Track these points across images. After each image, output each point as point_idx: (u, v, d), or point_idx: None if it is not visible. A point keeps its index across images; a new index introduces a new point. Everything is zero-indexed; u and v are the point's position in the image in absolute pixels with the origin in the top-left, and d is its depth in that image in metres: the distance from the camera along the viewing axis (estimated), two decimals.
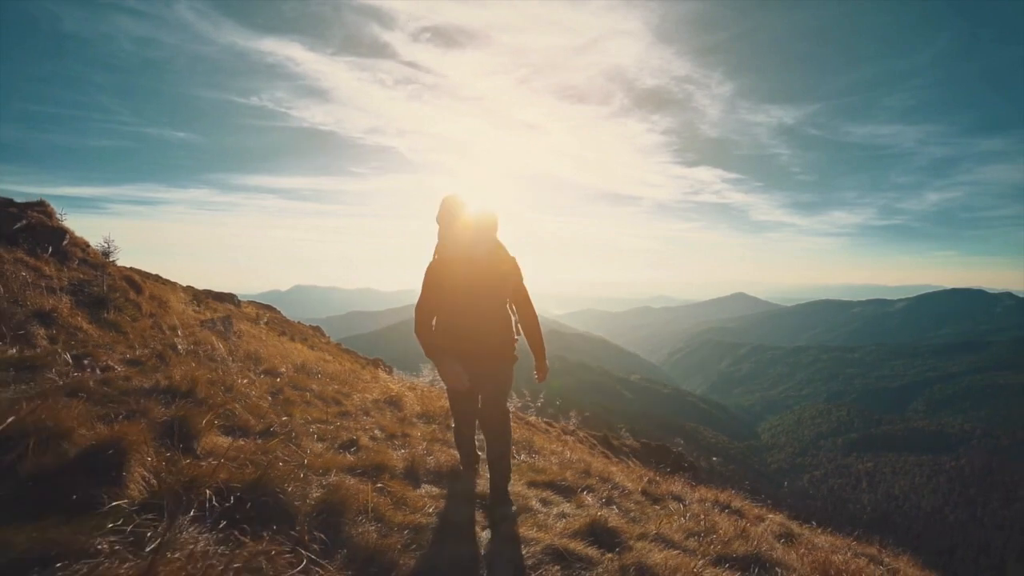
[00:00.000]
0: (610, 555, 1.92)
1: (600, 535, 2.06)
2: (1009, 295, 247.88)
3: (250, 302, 15.76)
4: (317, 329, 17.14)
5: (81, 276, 5.00)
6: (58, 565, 1.04)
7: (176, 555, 1.12)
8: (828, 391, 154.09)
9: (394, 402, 4.65)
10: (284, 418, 2.56)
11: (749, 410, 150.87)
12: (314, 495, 1.64)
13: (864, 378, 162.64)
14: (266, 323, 12.41)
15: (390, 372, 10.60)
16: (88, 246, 6.35)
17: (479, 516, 2.04)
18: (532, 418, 9.73)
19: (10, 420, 1.45)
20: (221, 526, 1.32)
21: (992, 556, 60.68)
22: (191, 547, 1.17)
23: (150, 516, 1.25)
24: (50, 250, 5.34)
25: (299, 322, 16.90)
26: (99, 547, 1.10)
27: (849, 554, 2.91)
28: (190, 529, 1.26)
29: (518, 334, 2.64)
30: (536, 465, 3.06)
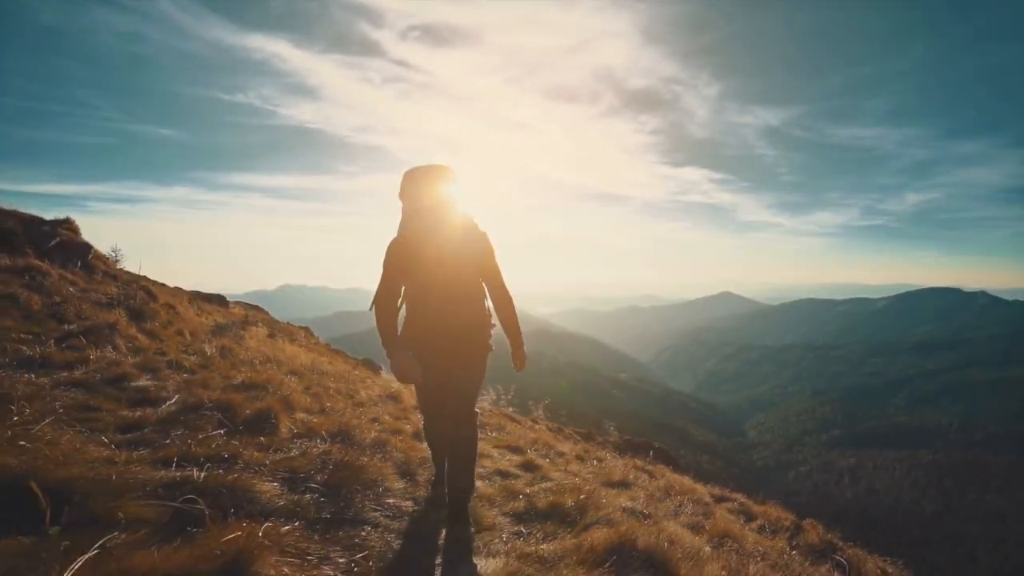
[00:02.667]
0: (530, 474, 3.25)
1: (530, 468, 3.37)
2: (984, 293, 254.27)
3: (237, 303, 15.97)
4: (306, 330, 17.51)
5: (113, 288, 5.60)
6: None
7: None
8: (813, 388, 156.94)
9: (394, 397, 5.42)
10: (328, 404, 3.66)
11: (736, 408, 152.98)
12: (367, 441, 2.88)
13: (847, 375, 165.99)
14: (256, 325, 12.82)
15: (379, 372, 11.19)
16: (107, 258, 6.95)
17: None
18: (508, 410, 10.46)
19: (210, 400, 2.82)
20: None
21: (966, 545, 62.69)
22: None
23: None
24: (79, 264, 5.95)
25: (288, 323, 17.20)
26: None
27: (701, 486, 4.25)
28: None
29: (493, 320, 2.42)
30: (501, 438, 4.25)
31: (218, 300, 13.65)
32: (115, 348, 3.59)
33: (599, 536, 2.01)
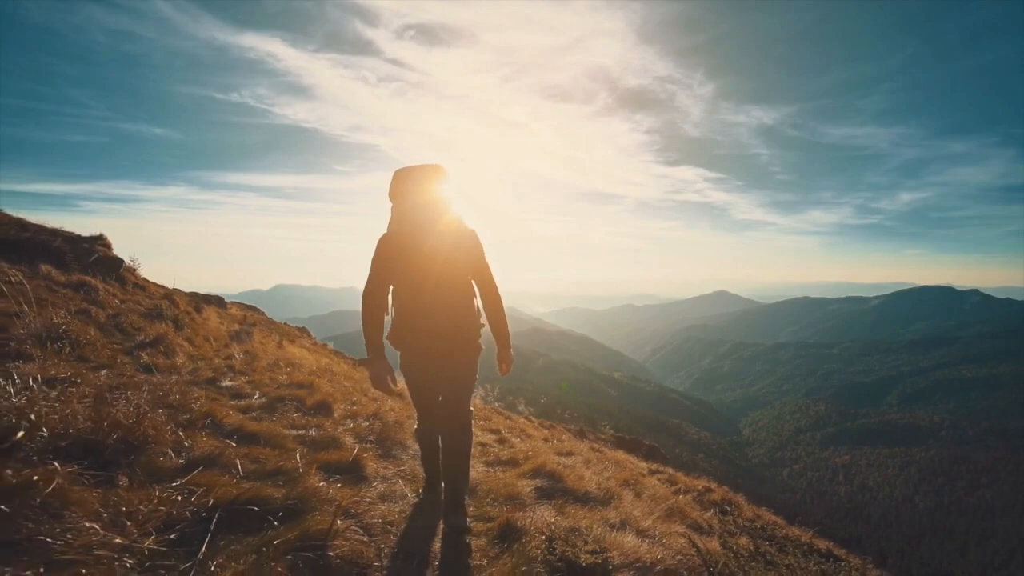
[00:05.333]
0: (501, 445, 4.31)
1: (502, 441, 4.47)
2: (976, 292, 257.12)
3: (234, 303, 16.01)
4: (303, 330, 17.51)
5: (145, 299, 5.85)
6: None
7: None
8: (807, 387, 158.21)
9: (399, 394, 5.72)
10: (353, 398, 4.48)
11: (731, 406, 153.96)
12: (391, 421, 3.86)
13: (841, 374, 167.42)
14: (255, 326, 12.84)
15: None
16: (134, 270, 7.26)
17: None
18: (495, 405, 10.74)
19: (285, 395, 3.87)
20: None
21: (956, 540, 63.51)
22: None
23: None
24: (114, 277, 6.23)
25: (285, 323, 17.21)
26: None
27: (642, 463, 5.36)
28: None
29: (483, 320, 2.41)
30: (485, 425, 5.21)
31: (216, 301, 13.72)
32: (177, 355, 4.19)
33: (528, 465, 3.49)
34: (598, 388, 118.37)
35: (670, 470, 5.47)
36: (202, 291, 13.87)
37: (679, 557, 2.19)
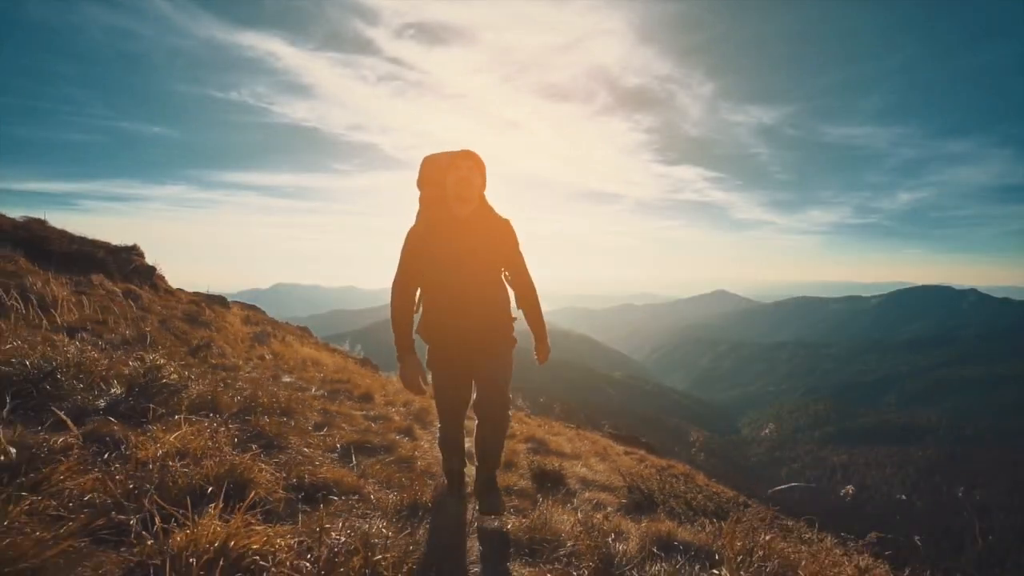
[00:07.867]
0: None
1: None
2: (974, 291, 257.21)
3: (235, 303, 16.12)
4: (305, 330, 17.65)
5: (177, 304, 6.28)
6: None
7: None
8: (806, 386, 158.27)
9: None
10: (386, 390, 5.38)
11: (730, 406, 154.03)
12: (417, 407, 4.75)
13: (840, 373, 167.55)
14: (260, 325, 13.04)
15: (377, 371, 11.58)
16: (163, 276, 7.72)
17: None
18: None
19: (338, 388, 4.86)
20: None
21: (952, 539, 63.78)
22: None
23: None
24: (148, 284, 6.68)
25: (286, 322, 17.31)
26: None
27: (618, 445, 6.44)
28: None
29: (515, 313, 2.32)
30: None
31: (220, 301, 13.89)
32: (227, 356, 4.87)
33: (522, 436, 4.65)
34: (598, 387, 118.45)
35: (643, 451, 6.44)
36: (202, 290, 14.05)
37: (612, 482, 3.43)
